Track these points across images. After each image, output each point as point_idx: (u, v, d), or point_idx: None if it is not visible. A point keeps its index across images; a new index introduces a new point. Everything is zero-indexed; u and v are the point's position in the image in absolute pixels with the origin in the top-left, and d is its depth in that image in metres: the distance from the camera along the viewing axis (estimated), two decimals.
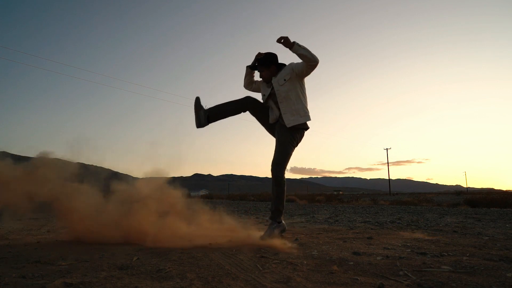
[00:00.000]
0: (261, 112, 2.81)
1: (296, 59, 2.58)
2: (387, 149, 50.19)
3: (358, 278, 1.36)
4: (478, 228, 3.28)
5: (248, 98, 2.76)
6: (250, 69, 2.87)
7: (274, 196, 2.63)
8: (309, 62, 2.51)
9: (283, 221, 2.68)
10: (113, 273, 1.45)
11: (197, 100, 2.70)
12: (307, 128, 2.72)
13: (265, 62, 2.74)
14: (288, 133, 2.63)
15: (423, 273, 1.44)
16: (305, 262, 1.66)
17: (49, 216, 5.58)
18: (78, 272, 1.48)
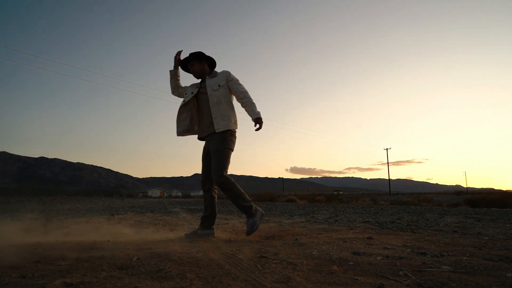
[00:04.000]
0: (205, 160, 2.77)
1: (227, 66, 2.62)
2: (387, 149, 50.20)
3: (358, 278, 1.36)
4: (478, 228, 3.28)
5: (203, 186, 2.80)
6: (175, 69, 2.84)
7: (233, 201, 2.59)
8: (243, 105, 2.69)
9: (258, 208, 2.64)
10: (113, 273, 1.45)
11: (187, 236, 2.70)
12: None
13: (198, 56, 2.75)
14: (222, 139, 2.60)
15: (423, 273, 1.44)
16: (305, 262, 1.66)
17: (49, 216, 5.59)
18: (78, 272, 1.48)
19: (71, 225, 3.94)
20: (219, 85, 2.68)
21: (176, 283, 1.31)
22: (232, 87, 2.71)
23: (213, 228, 2.73)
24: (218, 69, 2.88)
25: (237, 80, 2.75)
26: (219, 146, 2.58)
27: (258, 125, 2.60)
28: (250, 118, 2.65)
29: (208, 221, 2.72)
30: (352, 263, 1.63)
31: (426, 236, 2.63)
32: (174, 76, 2.89)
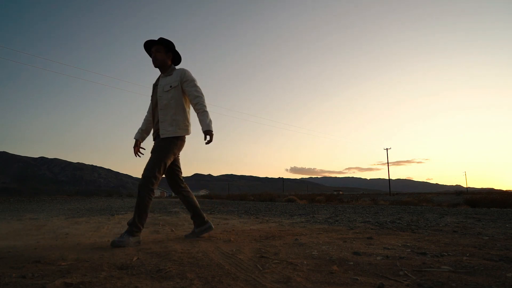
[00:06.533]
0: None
1: (187, 65, 2.45)
2: (387, 149, 50.19)
3: (358, 278, 1.36)
4: (478, 228, 3.28)
5: (172, 190, 2.67)
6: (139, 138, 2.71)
7: (135, 209, 2.31)
8: (196, 109, 2.42)
9: (140, 237, 2.31)
10: (113, 273, 1.45)
11: (187, 237, 2.59)
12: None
13: (168, 45, 2.49)
14: (165, 143, 2.38)
15: (423, 273, 1.44)
16: (305, 262, 1.66)
17: (49, 216, 5.59)
18: (78, 272, 1.48)
19: (71, 225, 3.94)
20: (170, 86, 2.43)
21: (176, 283, 1.31)
22: (186, 89, 2.44)
23: (207, 221, 2.66)
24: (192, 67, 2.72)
25: (194, 81, 2.47)
26: (159, 147, 2.38)
27: (208, 138, 2.31)
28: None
29: (198, 219, 2.66)
30: (352, 263, 1.63)
31: (426, 236, 2.63)
32: (145, 133, 2.73)
